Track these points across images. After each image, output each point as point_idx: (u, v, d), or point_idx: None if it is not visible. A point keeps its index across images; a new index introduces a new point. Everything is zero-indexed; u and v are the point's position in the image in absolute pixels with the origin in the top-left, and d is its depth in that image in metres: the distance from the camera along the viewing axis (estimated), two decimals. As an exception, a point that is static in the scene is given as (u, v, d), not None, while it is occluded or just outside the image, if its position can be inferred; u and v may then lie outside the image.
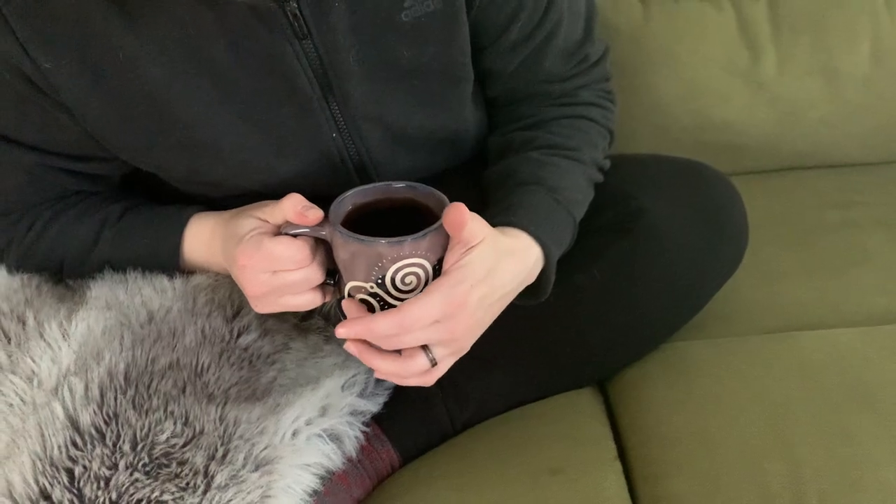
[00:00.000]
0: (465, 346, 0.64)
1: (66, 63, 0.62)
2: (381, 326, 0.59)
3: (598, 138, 0.78)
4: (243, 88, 0.66)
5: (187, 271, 0.74)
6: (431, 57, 0.69)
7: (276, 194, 0.64)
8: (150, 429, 0.63)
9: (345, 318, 0.64)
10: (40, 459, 0.62)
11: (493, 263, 0.62)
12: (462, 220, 0.58)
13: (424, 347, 0.62)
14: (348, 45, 0.66)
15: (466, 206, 0.59)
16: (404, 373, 0.62)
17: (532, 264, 0.66)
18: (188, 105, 0.65)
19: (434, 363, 0.62)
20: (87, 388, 0.65)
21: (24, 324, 0.70)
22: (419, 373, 0.63)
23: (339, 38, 0.65)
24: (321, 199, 0.63)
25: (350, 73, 0.67)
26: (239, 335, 0.71)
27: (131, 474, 0.61)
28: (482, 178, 0.77)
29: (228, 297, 0.72)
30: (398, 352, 0.62)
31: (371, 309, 0.62)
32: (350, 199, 0.63)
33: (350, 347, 0.63)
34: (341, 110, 0.69)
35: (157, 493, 0.61)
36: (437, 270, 0.61)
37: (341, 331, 0.61)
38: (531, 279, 0.67)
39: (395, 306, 0.61)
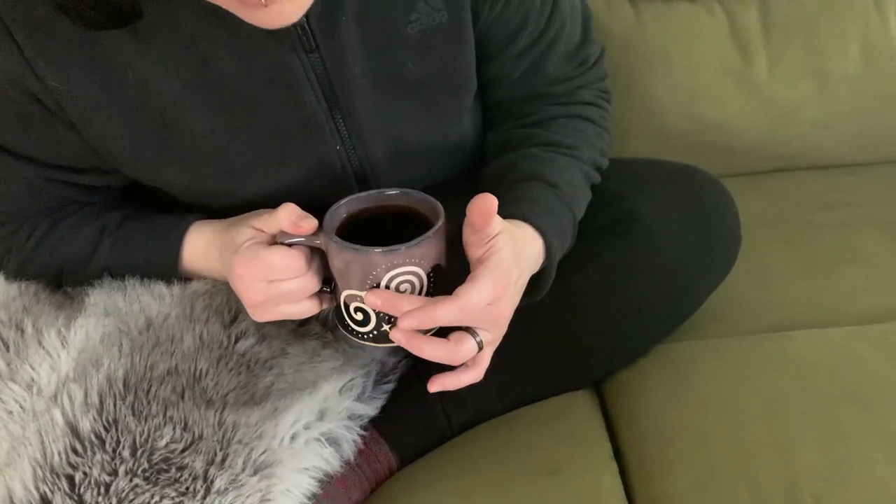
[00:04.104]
0: (503, 331, 0.65)
1: (75, 81, 0.62)
2: (443, 314, 0.59)
3: (595, 137, 0.78)
4: (250, 100, 0.66)
5: (185, 278, 0.74)
6: (437, 69, 0.70)
7: (276, 203, 0.64)
8: (149, 434, 0.63)
9: (340, 325, 0.64)
10: (41, 466, 0.62)
11: (515, 248, 0.63)
12: (491, 207, 0.58)
13: (471, 331, 0.62)
14: (355, 58, 0.66)
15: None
16: (454, 358, 0.62)
17: (536, 254, 0.67)
18: (196, 118, 0.66)
19: (481, 346, 0.63)
20: (86, 394, 0.65)
21: (22, 332, 0.70)
22: (468, 356, 0.63)
23: (346, 52, 0.66)
24: (319, 207, 0.63)
25: (356, 87, 0.67)
26: (237, 341, 0.71)
27: (131, 480, 0.61)
28: (480, 174, 0.77)
29: (226, 302, 0.72)
30: (446, 337, 0.62)
31: (366, 318, 0.62)
32: (344, 208, 0.64)
33: (396, 335, 0.61)
34: (346, 123, 0.69)
35: (156, 499, 0.61)
36: (431, 278, 0.62)
37: (406, 322, 0.58)
38: (535, 270, 0.68)
39: (390, 315, 0.61)
